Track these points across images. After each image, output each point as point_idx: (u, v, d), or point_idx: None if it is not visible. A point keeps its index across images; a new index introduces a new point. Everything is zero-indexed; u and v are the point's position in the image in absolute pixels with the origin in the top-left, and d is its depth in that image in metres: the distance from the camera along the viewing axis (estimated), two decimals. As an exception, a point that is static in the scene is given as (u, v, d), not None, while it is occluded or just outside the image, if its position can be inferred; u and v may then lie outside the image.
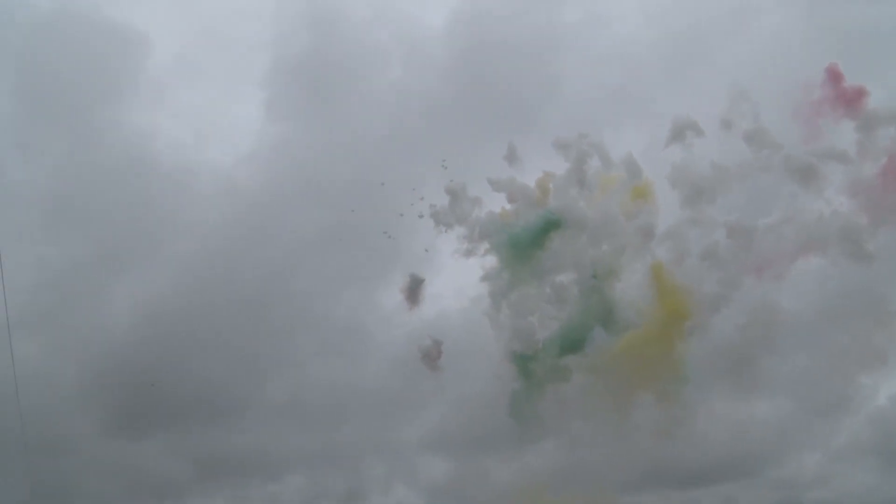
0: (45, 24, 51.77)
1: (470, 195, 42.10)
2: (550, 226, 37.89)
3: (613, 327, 38.00)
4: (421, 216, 45.48)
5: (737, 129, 35.26)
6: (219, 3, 57.69)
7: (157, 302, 52.65)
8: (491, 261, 41.96)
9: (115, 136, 54.92)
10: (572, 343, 38.18)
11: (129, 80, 54.92)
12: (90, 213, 53.81)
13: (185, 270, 54.06)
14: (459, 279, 44.91)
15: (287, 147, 54.33)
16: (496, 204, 42.39)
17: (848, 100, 35.09)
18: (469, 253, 42.57)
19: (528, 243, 38.30)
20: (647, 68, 46.11)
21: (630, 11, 47.43)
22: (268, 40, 54.62)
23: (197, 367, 52.90)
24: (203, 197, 54.98)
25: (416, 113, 48.05)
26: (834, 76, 35.47)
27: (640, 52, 46.63)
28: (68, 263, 52.14)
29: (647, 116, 43.97)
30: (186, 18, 56.61)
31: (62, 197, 53.15)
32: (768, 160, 34.73)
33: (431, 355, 45.35)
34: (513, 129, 44.60)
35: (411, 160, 46.91)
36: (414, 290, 45.75)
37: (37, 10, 52.00)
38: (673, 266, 37.25)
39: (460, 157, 44.84)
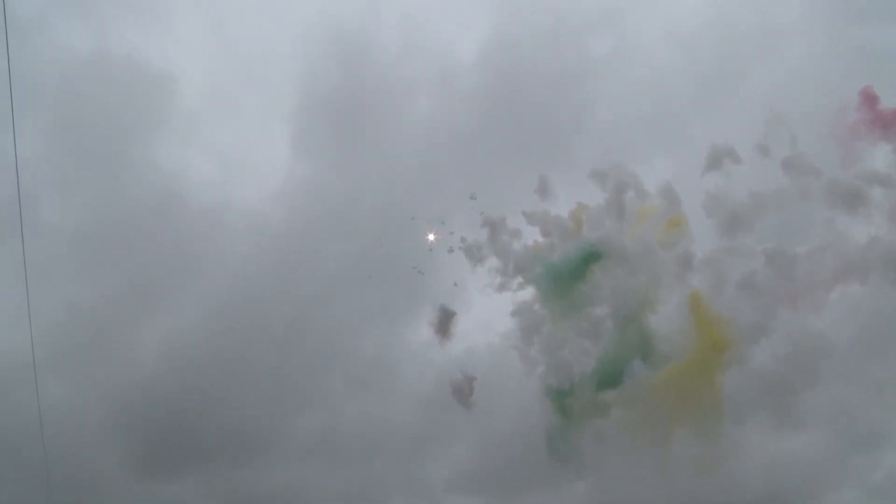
0: (77, 65, 52.04)
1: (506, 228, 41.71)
2: (591, 258, 37.13)
3: (652, 360, 36.94)
4: (451, 251, 45.60)
5: (773, 154, 34.50)
6: (247, 41, 57.12)
7: (185, 339, 52.11)
8: (524, 295, 41.57)
9: (146, 174, 54.81)
10: (610, 377, 37.09)
11: (159, 118, 55.00)
12: (120, 251, 53.47)
13: (214, 307, 53.48)
14: (489, 314, 44.38)
15: (316, 182, 53.90)
16: (528, 237, 42.48)
17: (884, 122, 34.40)
18: (502, 287, 42.07)
19: (568, 276, 37.50)
20: (678, 96, 45.30)
21: (660, 40, 46.45)
22: (296, 76, 54.45)
23: (224, 405, 52.16)
24: (233, 233, 54.47)
25: (446, 146, 47.41)
26: (869, 99, 34.78)
27: (671, 79, 45.96)
28: (98, 301, 51.81)
29: (679, 145, 42.92)
30: (215, 56, 56.30)
31: (93, 235, 53.03)
32: (808, 186, 33.84)
33: (463, 391, 44.54)
34: (543, 161, 43.86)
35: (441, 194, 46.32)
36: (444, 323, 45.09)
37: (69, 51, 52.36)
38: (710, 296, 36.21)
39: (491, 190, 44.15)
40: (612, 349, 37.15)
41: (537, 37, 47.38)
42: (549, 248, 39.22)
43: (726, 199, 35.09)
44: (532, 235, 40.68)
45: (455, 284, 45.09)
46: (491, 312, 43.74)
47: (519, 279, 41.62)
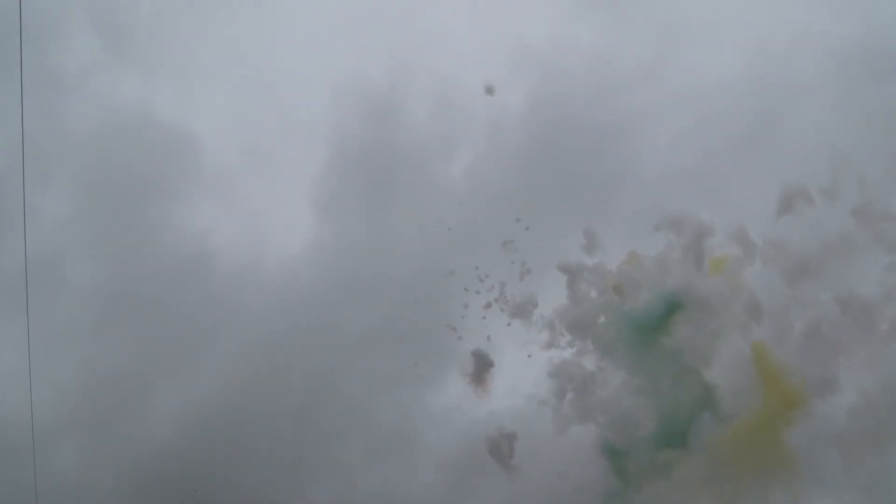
0: (104, 126, 50.64)
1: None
2: (673, 308, 35.14)
3: (717, 416, 34.35)
4: (489, 305, 43.67)
5: (840, 198, 32.96)
6: (276, 100, 55.86)
7: (202, 404, 49.44)
8: (562, 353, 39.63)
9: (171, 235, 52.74)
10: (675, 435, 34.54)
11: (187, 177, 53.28)
12: (142, 313, 51.16)
13: (234, 372, 50.85)
14: (522, 372, 42.40)
15: (345, 243, 51.90)
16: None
17: None
18: (550, 345, 39.85)
19: (649, 328, 35.38)
20: (718, 147, 44.22)
21: (699, 91, 45.79)
22: (326, 135, 52.79)
23: (240, 473, 48.98)
24: (258, 295, 52.00)
25: (484, 202, 45.70)
26: None
27: (710, 131, 44.98)
28: (116, 364, 49.25)
29: (723, 194, 41.36)
30: (241, 115, 54.94)
31: (114, 297, 50.81)
32: (881, 231, 32.12)
33: (503, 451, 41.72)
34: (586, 215, 42.25)
35: (479, 250, 44.32)
36: (481, 371, 42.72)
37: (95, 112, 51.05)
38: (776, 346, 33.96)
39: (533, 244, 42.40)
40: (676, 405, 34.56)
41: (576, 92, 46.35)
42: (616, 299, 36.87)
43: (793, 245, 33.29)
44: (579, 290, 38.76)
45: (489, 339, 43.46)
46: (524, 371, 41.87)
47: (566, 336, 39.82)
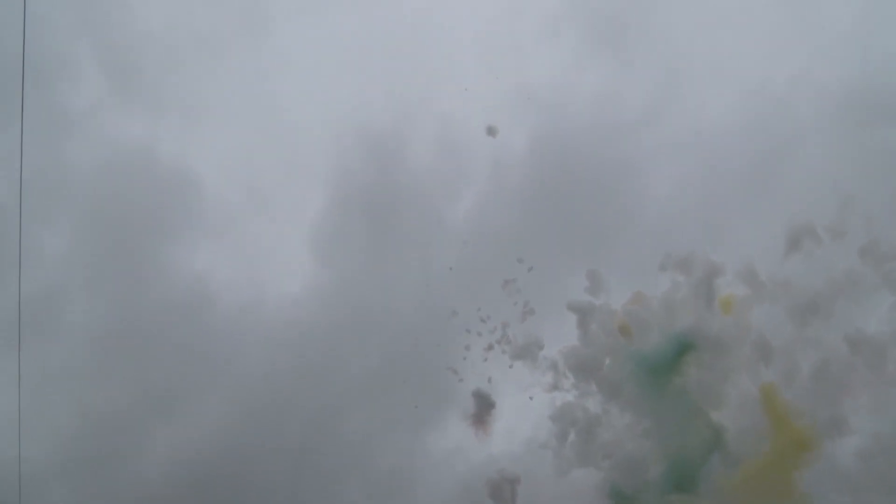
0: (106, 165, 50.45)
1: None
2: (684, 348, 34.31)
3: (726, 459, 33.50)
4: (490, 347, 43.09)
5: (847, 238, 32.71)
6: (277, 140, 55.88)
7: (200, 446, 48.48)
8: (565, 395, 38.87)
9: (169, 275, 52.34)
10: (685, 479, 33.59)
11: (187, 217, 53.01)
12: (139, 355, 50.32)
13: (232, 414, 49.94)
14: (525, 416, 41.66)
15: (345, 284, 51.50)
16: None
17: None
18: (553, 387, 39.20)
19: (661, 369, 34.54)
20: (718, 192, 44.23)
21: (710, 129, 46.10)
22: (328, 175, 52.79)
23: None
24: (258, 337, 51.34)
25: (486, 244, 45.45)
26: None
27: (711, 175, 45.06)
28: (110, 407, 48.27)
29: (727, 235, 41.17)
30: (244, 155, 54.91)
31: (111, 337, 50.02)
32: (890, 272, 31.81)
33: (504, 495, 40.71)
34: (591, 255, 41.99)
35: (481, 291, 43.86)
36: (482, 413, 41.86)
37: (98, 151, 50.93)
38: (785, 387, 33.33)
39: (535, 285, 42.05)
40: (685, 447, 33.69)
41: (579, 133, 46.54)
42: (624, 339, 36.20)
43: (798, 284, 32.90)
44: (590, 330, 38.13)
45: (489, 381, 42.73)
46: (526, 413, 41.17)
47: (570, 377, 39.21)
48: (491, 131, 45.29)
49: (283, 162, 54.82)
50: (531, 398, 40.53)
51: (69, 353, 48.01)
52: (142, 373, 49.77)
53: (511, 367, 41.90)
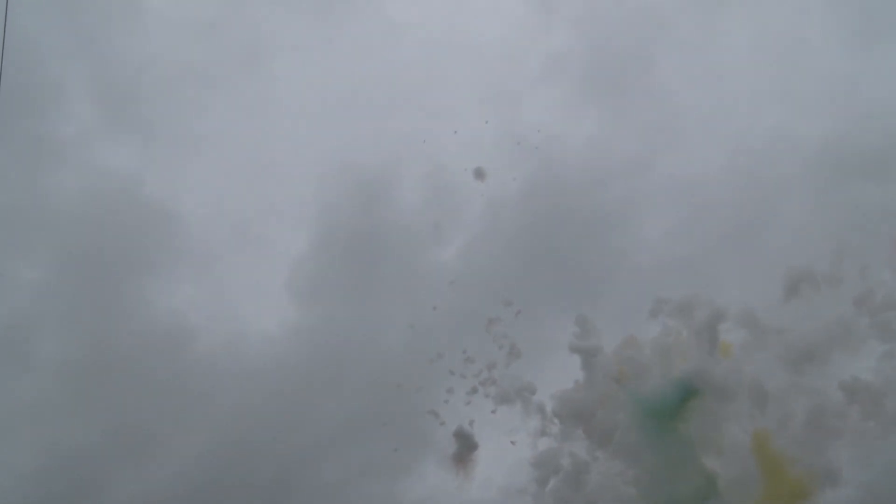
0: (89, 196, 49.00)
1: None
2: (689, 394, 33.32)
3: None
4: (474, 391, 41.87)
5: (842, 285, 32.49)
6: (263, 179, 55.12)
7: (169, 489, 46.06)
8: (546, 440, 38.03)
9: (146, 312, 50.40)
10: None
11: (168, 255, 51.41)
12: (110, 392, 48.22)
13: (204, 457, 47.70)
14: (505, 462, 40.29)
15: (326, 326, 50.01)
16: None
17: None
18: (541, 432, 38.13)
19: (665, 414, 33.53)
20: (706, 238, 44.20)
21: (689, 183, 46.30)
22: (312, 215, 51.75)
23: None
24: (235, 378, 49.43)
25: (475, 285, 44.54)
26: None
27: (700, 223, 45.13)
28: (79, 446, 45.87)
29: (716, 284, 40.85)
30: (228, 193, 53.94)
31: (83, 374, 47.86)
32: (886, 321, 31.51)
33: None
34: (579, 300, 41.28)
35: (466, 334, 42.88)
36: (464, 453, 40.34)
37: (82, 181, 49.55)
38: (778, 435, 32.57)
39: (524, 329, 41.21)
40: (681, 495, 32.50)
41: (568, 180, 46.42)
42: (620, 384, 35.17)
43: (795, 332, 32.43)
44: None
45: (471, 424, 41.18)
46: (506, 459, 39.71)
47: (556, 423, 38.18)
48: (478, 174, 44.96)
49: (268, 199, 53.93)
50: (513, 443, 39.70)
51: (39, 386, 45.64)
52: (113, 408, 47.51)
53: (494, 411, 41.10)
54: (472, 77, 51.80)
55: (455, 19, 57.79)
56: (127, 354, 48.47)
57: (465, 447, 40.77)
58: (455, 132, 46.02)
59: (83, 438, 45.23)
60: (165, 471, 46.74)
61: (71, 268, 47.49)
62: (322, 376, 48.72)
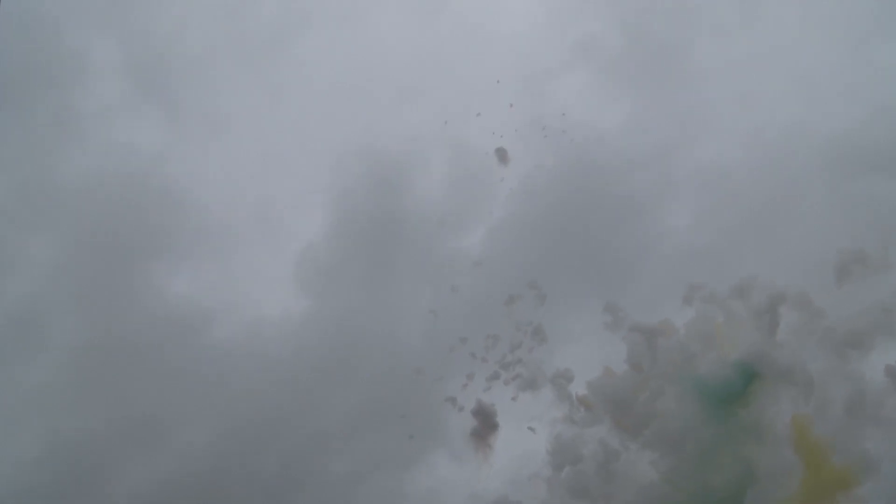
0: (104, 179, 47.27)
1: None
2: (752, 378, 31.52)
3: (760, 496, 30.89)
4: (497, 377, 40.22)
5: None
6: (282, 159, 53.47)
7: (172, 481, 44.19)
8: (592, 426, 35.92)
9: (157, 298, 48.56)
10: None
11: (176, 243, 49.64)
12: (117, 379, 46.33)
13: (212, 441, 45.94)
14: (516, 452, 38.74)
15: (345, 311, 48.35)
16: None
17: None
18: (570, 419, 36.56)
19: (727, 398, 31.71)
20: (726, 229, 43.13)
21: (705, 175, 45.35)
22: (330, 200, 50.00)
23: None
24: (249, 363, 47.64)
25: (498, 269, 42.98)
26: None
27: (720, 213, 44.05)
28: (81, 436, 43.89)
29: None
30: (248, 175, 52.20)
31: (91, 357, 45.98)
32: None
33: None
34: (605, 287, 39.96)
35: (488, 318, 41.29)
36: (485, 429, 38.76)
37: (96, 164, 47.68)
38: (818, 421, 31.17)
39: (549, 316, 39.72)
40: (713, 487, 30.99)
41: (591, 168, 45.00)
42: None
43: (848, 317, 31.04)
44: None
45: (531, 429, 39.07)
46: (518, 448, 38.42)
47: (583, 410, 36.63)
48: (501, 155, 43.46)
49: (288, 182, 52.32)
50: (532, 429, 38.18)
51: (48, 370, 43.76)
52: (123, 394, 45.51)
53: (515, 398, 39.60)
54: (498, 59, 50.19)
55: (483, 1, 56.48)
56: (139, 339, 46.49)
57: (484, 424, 39.29)
58: (478, 115, 44.36)
59: (90, 424, 43.56)
60: (173, 459, 45.08)
61: (86, 248, 45.71)
62: (337, 364, 46.94)
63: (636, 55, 50.97)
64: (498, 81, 44.26)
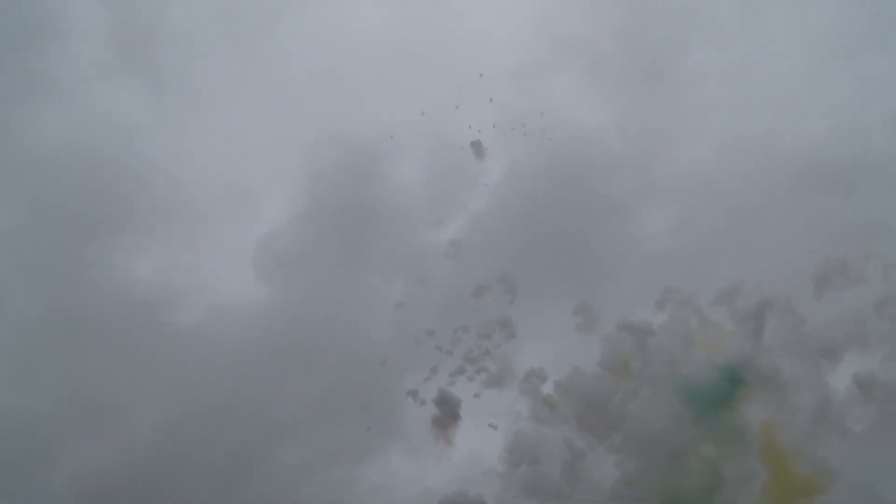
0: (74, 148, 44.99)
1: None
2: (736, 384, 31.18)
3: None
4: (462, 372, 39.30)
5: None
6: (258, 140, 51.78)
7: (117, 466, 42.23)
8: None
9: (109, 279, 46.25)
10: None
11: (150, 216, 47.66)
12: (62, 360, 44.11)
13: (162, 425, 44.01)
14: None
15: (306, 302, 46.88)
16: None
17: None
18: (535, 418, 35.86)
19: (712, 401, 31.24)
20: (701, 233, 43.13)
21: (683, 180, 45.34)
22: (301, 185, 48.53)
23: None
24: (205, 350, 45.72)
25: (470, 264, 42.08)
26: None
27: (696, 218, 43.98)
28: (22, 415, 41.85)
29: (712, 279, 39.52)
30: (222, 153, 50.42)
31: (41, 333, 43.68)
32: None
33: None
34: (581, 288, 39.45)
35: (457, 313, 40.38)
36: (446, 419, 37.80)
37: (59, 137, 45.36)
38: (787, 428, 31.01)
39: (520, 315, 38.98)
40: (688, 487, 30.47)
41: (570, 167, 44.47)
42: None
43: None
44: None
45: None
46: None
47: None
48: (476, 149, 42.65)
49: (262, 165, 50.66)
50: (494, 427, 37.39)
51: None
52: (70, 373, 43.36)
53: (478, 395, 38.77)
54: (482, 54, 49.35)
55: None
56: (93, 318, 44.25)
57: (446, 414, 38.37)
58: (457, 107, 43.43)
59: (33, 403, 41.52)
60: (119, 444, 43.14)
61: (46, 217, 43.29)
62: (297, 353, 45.55)
63: (623, 57, 50.84)
64: (481, 75, 43.22)
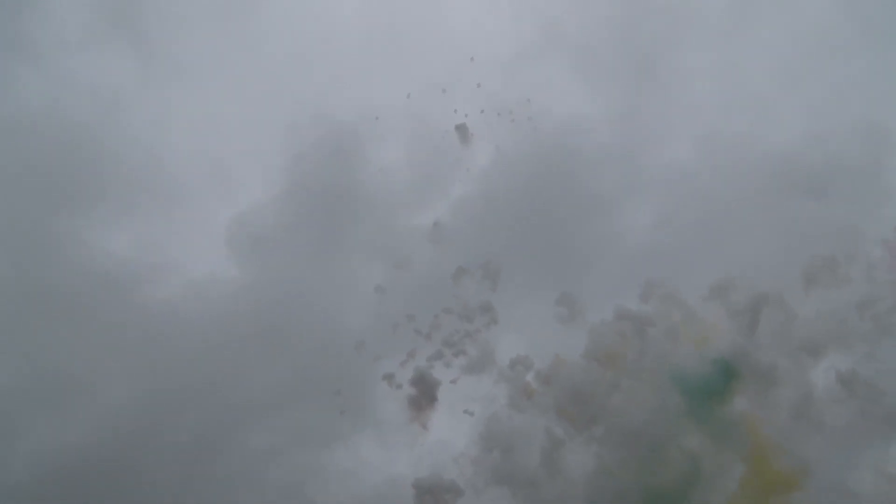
0: (49, 114, 43.28)
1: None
2: (730, 376, 30.76)
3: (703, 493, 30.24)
4: (440, 357, 38.50)
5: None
6: (236, 119, 50.37)
7: (78, 446, 40.78)
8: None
9: (79, 251, 44.62)
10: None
11: (127, 189, 46.04)
12: (26, 334, 42.40)
13: (118, 411, 42.42)
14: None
15: (282, 283, 45.66)
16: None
17: None
18: (515, 406, 35.14)
19: (707, 393, 30.73)
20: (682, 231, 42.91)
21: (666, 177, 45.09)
22: (282, 165, 47.33)
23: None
24: (175, 329, 44.38)
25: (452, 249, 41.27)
26: None
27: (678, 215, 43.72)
28: None
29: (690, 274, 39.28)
30: (201, 131, 48.91)
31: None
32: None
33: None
34: (563, 278, 38.95)
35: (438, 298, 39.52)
36: (423, 398, 36.98)
37: (36, 103, 43.55)
38: (765, 423, 30.82)
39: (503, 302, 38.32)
40: (662, 481, 30.17)
41: (553, 155, 43.88)
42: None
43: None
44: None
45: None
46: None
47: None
48: (461, 132, 41.88)
49: (244, 143, 49.42)
50: (469, 413, 36.66)
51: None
52: (35, 346, 41.79)
53: (455, 381, 38.02)
54: (471, 38, 48.67)
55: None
56: (61, 291, 42.81)
57: (423, 394, 37.56)
58: (444, 91, 42.62)
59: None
60: (83, 422, 41.67)
61: (15, 186, 41.58)
62: (271, 335, 44.36)
63: (612, 51, 50.65)
64: (472, 59, 42.43)
